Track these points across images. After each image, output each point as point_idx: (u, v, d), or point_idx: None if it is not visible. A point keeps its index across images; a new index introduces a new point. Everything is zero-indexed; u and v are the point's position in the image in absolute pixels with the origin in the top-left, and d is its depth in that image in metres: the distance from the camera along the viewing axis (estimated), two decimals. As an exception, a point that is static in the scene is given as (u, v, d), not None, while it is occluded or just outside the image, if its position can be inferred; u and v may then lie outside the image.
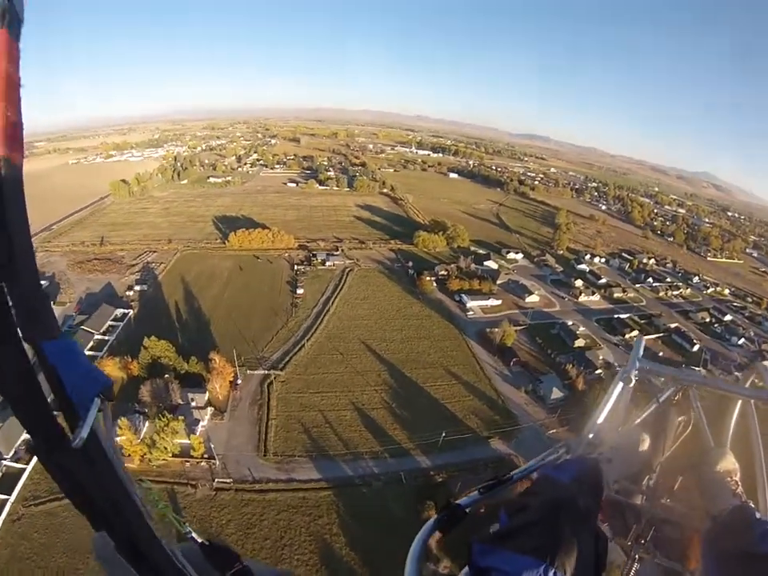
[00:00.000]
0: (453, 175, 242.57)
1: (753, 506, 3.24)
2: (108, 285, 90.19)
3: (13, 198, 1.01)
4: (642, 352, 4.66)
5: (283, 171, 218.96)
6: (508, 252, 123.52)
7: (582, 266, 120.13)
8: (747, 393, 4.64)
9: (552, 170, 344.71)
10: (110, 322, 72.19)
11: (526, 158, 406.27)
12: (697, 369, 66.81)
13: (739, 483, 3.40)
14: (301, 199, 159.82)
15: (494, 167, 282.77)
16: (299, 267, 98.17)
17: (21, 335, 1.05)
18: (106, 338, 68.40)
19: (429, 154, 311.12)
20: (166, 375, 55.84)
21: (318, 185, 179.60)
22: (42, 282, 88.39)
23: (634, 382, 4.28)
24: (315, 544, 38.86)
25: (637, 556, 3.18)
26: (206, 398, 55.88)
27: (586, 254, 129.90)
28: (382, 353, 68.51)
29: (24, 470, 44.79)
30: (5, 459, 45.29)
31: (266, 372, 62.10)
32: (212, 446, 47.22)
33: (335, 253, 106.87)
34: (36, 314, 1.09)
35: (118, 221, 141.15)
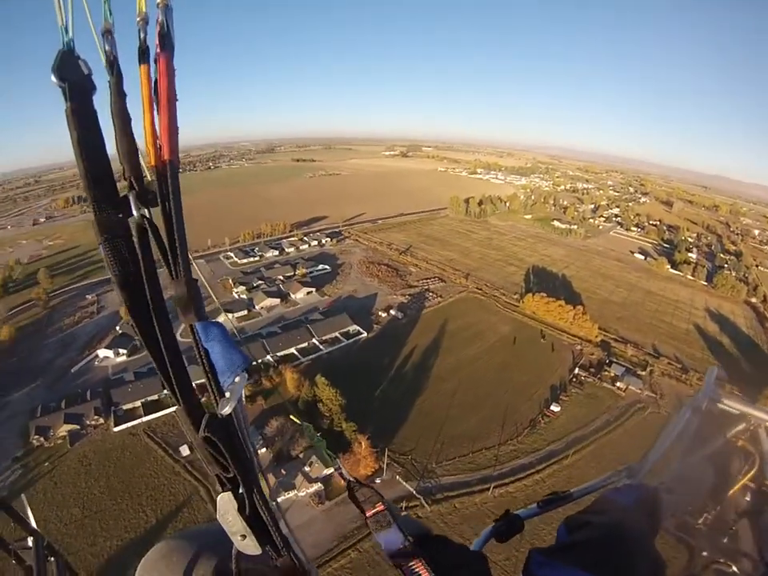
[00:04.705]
0: None
1: None
2: (373, 296, 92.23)
3: (176, 197, 1.20)
4: (714, 382, 4.20)
5: (637, 236, 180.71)
6: None
7: None
8: None
9: None
10: (336, 333, 72.05)
11: None
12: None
13: None
14: (641, 278, 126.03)
15: None
16: (579, 372, 72.18)
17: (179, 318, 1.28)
18: (321, 347, 68.42)
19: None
20: (305, 424, 51.50)
21: (668, 266, 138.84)
22: (326, 267, 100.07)
23: (703, 411, 3.93)
24: None
25: None
26: (325, 472, 47.80)
27: None
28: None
29: (140, 417, 56.97)
30: (121, 407, 58.07)
31: (414, 492, 47.38)
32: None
33: (639, 372, 72.80)
34: (190, 302, 1.26)
35: (436, 235, 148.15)
